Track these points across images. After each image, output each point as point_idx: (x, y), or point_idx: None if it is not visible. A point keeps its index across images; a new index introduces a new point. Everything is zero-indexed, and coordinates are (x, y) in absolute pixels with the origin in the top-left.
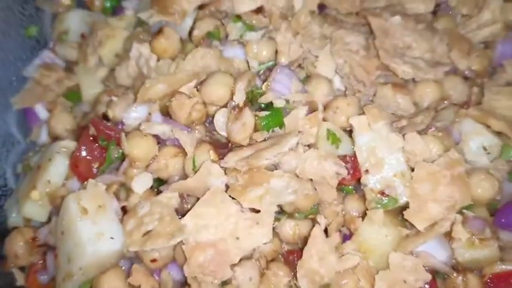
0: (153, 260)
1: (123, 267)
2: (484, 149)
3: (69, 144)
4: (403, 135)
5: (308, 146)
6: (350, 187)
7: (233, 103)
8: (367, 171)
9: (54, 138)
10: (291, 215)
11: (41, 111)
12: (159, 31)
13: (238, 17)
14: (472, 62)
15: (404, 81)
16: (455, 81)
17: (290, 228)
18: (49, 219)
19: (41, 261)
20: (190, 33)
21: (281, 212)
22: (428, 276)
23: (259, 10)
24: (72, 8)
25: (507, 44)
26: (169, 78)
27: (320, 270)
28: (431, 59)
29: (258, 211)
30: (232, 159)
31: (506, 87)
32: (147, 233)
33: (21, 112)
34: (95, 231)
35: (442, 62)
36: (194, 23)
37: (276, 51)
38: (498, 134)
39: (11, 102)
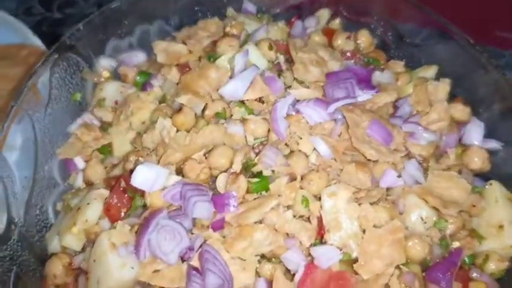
0: None
1: None
2: (422, 219)
3: (104, 192)
4: (359, 205)
5: (287, 207)
6: (316, 241)
7: (232, 170)
8: (328, 230)
9: (88, 183)
10: (269, 260)
11: (79, 161)
12: (180, 109)
13: (242, 102)
14: (421, 149)
15: (367, 160)
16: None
17: (268, 270)
18: (82, 249)
19: (74, 282)
20: (203, 111)
21: (263, 256)
22: None
23: (259, 98)
24: (109, 80)
25: (451, 136)
26: (184, 148)
27: None
28: (390, 146)
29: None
30: (228, 215)
31: (445, 171)
32: (157, 271)
33: (63, 160)
34: (120, 262)
35: (399, 149)
36: (206, 103)
37: (268, 130)
38: (434, 208)
39: (56, 153)
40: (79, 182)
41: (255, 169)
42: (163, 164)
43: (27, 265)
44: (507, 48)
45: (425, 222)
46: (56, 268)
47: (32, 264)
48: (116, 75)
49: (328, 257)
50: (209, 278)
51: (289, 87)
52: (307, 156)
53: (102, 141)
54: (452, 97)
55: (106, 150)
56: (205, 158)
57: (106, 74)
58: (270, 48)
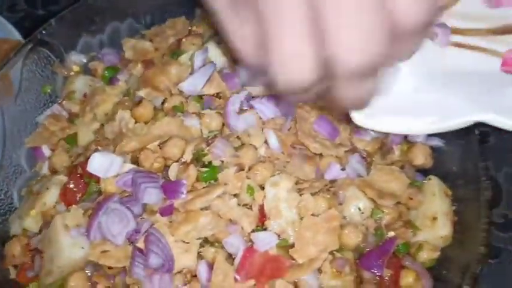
0: (109, 268)
1: (88, 271)
2: (359, 209)
3: (63, 178)
4: (301, 195)
5: (234, 195)
6: (258, 227)
7: (183, 160)
8: (269, 218)
9: (53, 171)
10: (212, 244)
11: (46, 150)
12: (139, 102)
13: (200, 97)
14: (366, 145)
15: (314, 154)
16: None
17: (211, 253)
18: (40, 231)
19: (30, 262)
20: (162, 104)
21: (206, 241)
22: None
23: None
24: (79, 74)
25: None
26: (140, 138)
27: (224, 285)
28: (336, 141)
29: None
30: (176, 202)
31: (387, 166)
32: (105, 251)
33: (30, 149)
34: (71, 242)
35: (344, 144)
36: (165, 98)
37: (223, 124)
38: (372, 200)
39: (24, 141)
40: (45, 169)
41: (206, 159)
42: (118, 153)
43: None
44: None
45: (362, 213)
46: (15, 249)
47: None
48: (86, 69)
49: (265, 242)
50: (151, 258)
51: None
52: (256, 149)
53: (68, 132)
54: None
55: (72, 140)
56: (160, 148)
57: (76, 68)
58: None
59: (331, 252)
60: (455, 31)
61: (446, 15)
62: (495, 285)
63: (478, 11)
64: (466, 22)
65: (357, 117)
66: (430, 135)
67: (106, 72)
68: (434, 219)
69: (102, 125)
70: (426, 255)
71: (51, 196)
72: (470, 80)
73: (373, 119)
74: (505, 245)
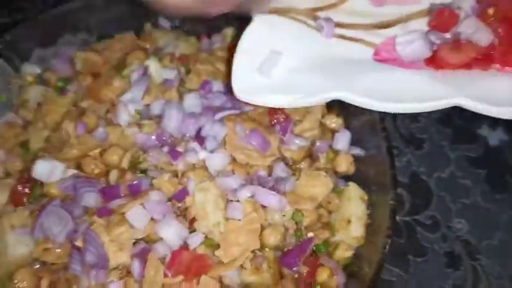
0: (53, 264)
1: (36, 266)
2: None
3: (11, 181)
4: (227, 200)
5: (169, 199)
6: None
7: (121, 166)
8: (197, 220)
9: (7, 174)
10: (147, 242)
11: (1, 154)
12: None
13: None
14: (292, 153)
15: (245, 163)
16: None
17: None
18: None
19: None
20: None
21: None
22: None
23: None
24: (34, 84)
25: (323, 143)
26: (81, 147)
27: (156, 280)
28: (268, 152)
29: None
30: (113, 204)
31: (315, 172)
32: (47, 249)
33: None
34: (17, 240)
35: (274, 153)
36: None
37: None
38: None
39: None
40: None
41: (143, 166)
42: (62, 160)
43: None
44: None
45: (284, 215)
46: None
47: None
48: (40, 80)
49: (193, 241)
50: (87, 255)
51: None
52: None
53: (21, 138)
54: (329, 109)
55: (25, 146)
56: (100, 155)
57: (30, 78)
58: (171, 61)
59: (252, 251)
60: (341, 25)
61: (334, 12)
62: (421, 280)
63: (364, 8)
64: (352, 17)
65: (239, 92)
66: (352, 144)
67: (58, 82)
68: (349, 222)
69: (53, 132)
70: (341, 254)
71: (0, 198)
72: (342, 66)
73: (252, 95)
74: (431, 245)
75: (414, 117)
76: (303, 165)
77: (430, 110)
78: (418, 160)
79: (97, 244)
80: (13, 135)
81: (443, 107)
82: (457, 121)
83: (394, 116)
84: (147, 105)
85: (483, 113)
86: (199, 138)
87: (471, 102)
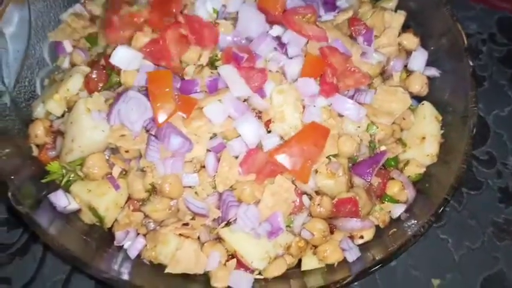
0: (126, 152)
1: (106, 154)
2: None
3: (86, 69)
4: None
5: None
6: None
7: (199, 63)
8: (274, 121)
9: (73, 65)
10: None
11: (67, 45)
12: None
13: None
14: (369, 68)
15: None
16: None
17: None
18: (62, 116)
19: (52, 143)
20: None
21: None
22: (294, 198)
23: None
24: None
25: (397, 61)
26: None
27: (228, 176)
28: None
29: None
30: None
31: (392, 87)
32: (123, 135)
33: (53, 44)
34: (93, 124)
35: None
36: None
37: None
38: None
39: (47, 36)
40: (66, 64)
41: (219, 64)
42: (134, 48)
43: (12, 124)
44: (479, 2)
45: (359, 126)
46: (38, 129)
47: (18, 124)
48: None
49: (269, 143)
50: (172, 139)
51: None
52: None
53: (89, 30)
54: (406, 28)
55: (92, 39)
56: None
57: None
58: None
59: (327, 157)
60: None
61: None
62: (474, 212)
63: None
64: None
65: None
66: (427, 65)
67: None
68: (423, 139)
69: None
70: (413, 170)
71: (74, 83)
72: None
73: None
74: (486, 179)
75: (476, 54)
76: (376, 82)
77: None
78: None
79: (179, 131)
80: (81, 26)
81: None
82: None
83: None
84: (224, 6)
85: None
86: (281, 43)
87: None
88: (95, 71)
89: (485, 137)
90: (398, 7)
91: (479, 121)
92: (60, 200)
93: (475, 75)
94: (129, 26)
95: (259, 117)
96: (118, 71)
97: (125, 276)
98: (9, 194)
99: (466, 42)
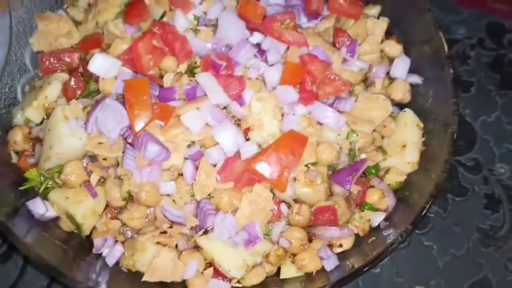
0: (104, 159)
1: (84, 162)
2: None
3: (65, 76)
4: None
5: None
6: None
7: (177, 70)
8: (253, 129)
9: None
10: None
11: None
12: None
13: (196, 17)
14: (350, 75)
15: None
16: None
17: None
18: (41, 123)
19: (31, 150)
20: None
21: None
22: (272, 206)
23: None
24: None
25: (380, 68)
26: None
27: (206, 184)
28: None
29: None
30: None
31: (374, 94)
32: (100, 143)
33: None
34: (70, 132)
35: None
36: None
37: None
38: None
39: (29, 42)
40: None
41: (198, 71)
42: (112, 55)
43: None
44: (468, 7)
45: (338, 134)
46: (17, 135)
47: None
48: None
49: (247, 151)
50: (149, 147)
51: None
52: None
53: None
54: (389, 35)
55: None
56: None
57: None
58: None
59: (306, 165)
60: None
61: None
62: (459, 219)
63: None
64: None
65: None
66: (409, 72)
67: None
68: (404, 147)
69: (102, 33)
70: (393, 178)
71: (52, 90)
72: None
73: None
74: (472, 186)
75: (464, 59)
76: (358, 89)
77: None
78: (464, 102)
79: (156, 140)
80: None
81: None
82: (506, 67)
83: None
84: (205, 13)
85: None
86: (260, 50)
87: None
88: (73, 79)
89: (472, 142)
90: (381, 14)
91: (466, 127)
92: (38, 207)
93: (457, 83)
94: None
95: (238, 125)
96: (96, 78)
97: (102, 286)
98: None
99: (447, 50)
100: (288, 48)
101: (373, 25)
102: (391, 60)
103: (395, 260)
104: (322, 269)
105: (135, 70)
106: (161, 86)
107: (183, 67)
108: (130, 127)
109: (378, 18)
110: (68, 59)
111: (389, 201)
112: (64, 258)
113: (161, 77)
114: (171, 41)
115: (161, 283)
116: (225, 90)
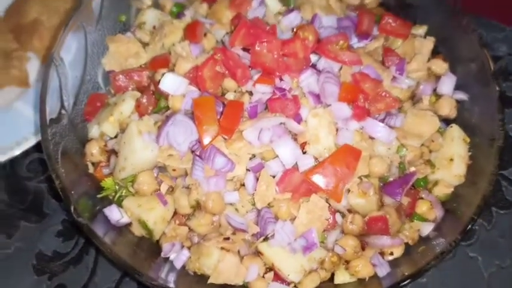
0: (173, 170)
1: (155, 172)
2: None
3: (137, 93)
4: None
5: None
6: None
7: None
8: (309, 143)
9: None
10: (264, 158)
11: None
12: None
13: None
14: (400, 92)
15: None
16: None
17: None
18: (115, 136)
19: (106, 161)
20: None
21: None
22: (328, 215)
23: None
24: (150, 7)
25: (427, 86)
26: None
27: (266, 194)
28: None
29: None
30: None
31: (422, 111)
32: (170, 155)
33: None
34: (143, 145)
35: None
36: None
37: None
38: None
39: (101, 62)
40: None
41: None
42: (178, 73)
43: (71, 143)
44: (510, 24)
45: (389, 148)
46: (93, 148)
47: (75, 143)
48: (156, 4)
49: (304, 163)
50: (217, 158)
51: None
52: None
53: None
54: (436, 53)
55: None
56: None
57: (148, 2)
58: None
59: (359, 177)
60: None
61: None
62: (503, 230)
63: None
64: None
65: None
66: (455, 89)
67: (174, 8)
68: (451, 161)
69: (169, 53)
70: (441, 190)
71: (127, 107)
72: None
73: None
74: None
75: (506, 76)
76: (406, 106)
77: None
78: (508, 117)
79: (222, 153)
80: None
81: None
82: None
83: None
84: None
85: None
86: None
87: None
88: (145, 96)
89: None
90: (427, 33)
91: (509, 141)
92: (114, 213)
93: (503, 99)
94: None
95: (295, 139)
96: (166, 96)
97: (171, 285)
98: (72, 207)
99: (492, 68)
100: (341, 67)
101: (420, 44)
102: (437, 78)
103: (441, 271)
104: (375, 276)
105: (199, 88)
106: (224, 103)
107: (244, 87)
108: (199, 141)
109: (425, 37)
110: (137, 78)
111: (438, 212)
112: (137, 259)
113: (223, 94)
114: (232, 67)
115: (225, 285)
116: (282, 112)
